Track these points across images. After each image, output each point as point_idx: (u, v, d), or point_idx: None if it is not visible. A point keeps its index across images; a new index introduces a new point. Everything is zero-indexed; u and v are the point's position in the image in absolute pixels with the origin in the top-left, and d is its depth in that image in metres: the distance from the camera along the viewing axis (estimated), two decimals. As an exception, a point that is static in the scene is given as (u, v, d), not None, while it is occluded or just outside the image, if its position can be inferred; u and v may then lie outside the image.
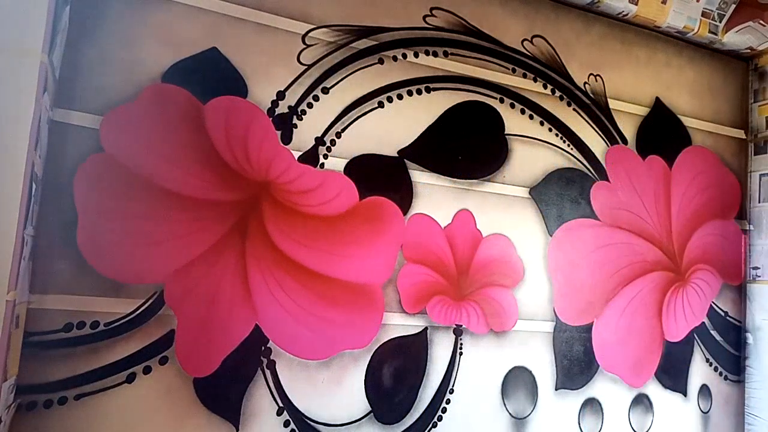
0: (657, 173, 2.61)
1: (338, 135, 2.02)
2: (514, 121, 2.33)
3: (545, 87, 2.41)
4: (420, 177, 2.14)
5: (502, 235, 2.26)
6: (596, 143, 2.49)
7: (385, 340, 2.02)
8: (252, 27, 1.93)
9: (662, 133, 2.65)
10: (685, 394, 2.58)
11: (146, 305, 1.71)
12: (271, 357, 1.85)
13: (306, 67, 1.99)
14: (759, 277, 2.71)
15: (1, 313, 1.26)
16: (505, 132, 2.31)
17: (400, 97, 2.14)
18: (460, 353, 2.14)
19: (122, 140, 1.71)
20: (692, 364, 2.59)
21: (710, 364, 2.64)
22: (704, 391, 2.62)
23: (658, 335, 2.54)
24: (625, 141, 2.56)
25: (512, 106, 2.33)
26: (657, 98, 2.67)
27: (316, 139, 1.98)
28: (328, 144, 2.00)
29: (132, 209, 1.70)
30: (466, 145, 2.23)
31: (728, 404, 2.68)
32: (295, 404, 1.87)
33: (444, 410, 2.09)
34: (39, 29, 1.34)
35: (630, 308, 2.48)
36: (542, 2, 2.45)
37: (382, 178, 2.06)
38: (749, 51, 2.82)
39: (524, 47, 2.38)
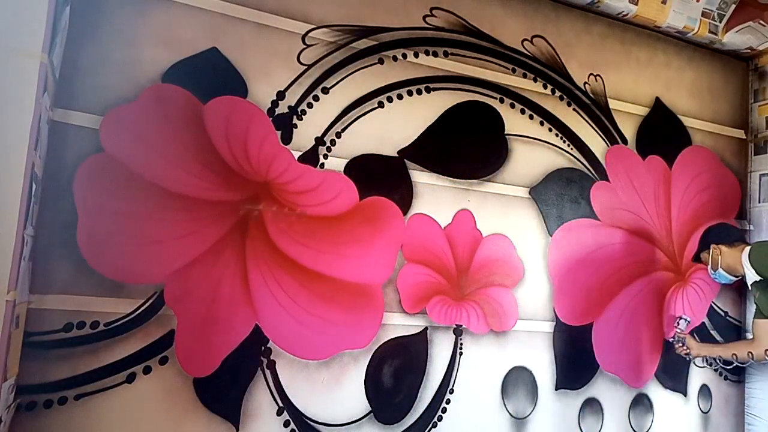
0: (657, 173, 2.61)
1: (338, 135, 2.02)
2: (514, 121, 2.33)
3: (545, 87, 2.41)
4: (420, 177, 2.14)
5: (502, 235, 2.26)
6: (596, 143, 2.49)
7: (385, 340, 2.02)
8: (252, 27, 1.93)
9: (662, 133, 2.65)
10: (685, 394, 2.58)
11: (146, 305, 1.71)
12: (271, 357, 1.85)
13: (306, 67, 1.99)
14: (759, 277, 2.71)
15: (1, 313, 1.25)
16: (505, 132, 2.31)
17: (400, 97, 2.14)
18: (460, 353, 2.14)
19: (122, 140, 1.71)
20: (692, 364, 2.59)
21: (710, 364, 2.64)
22: (704, 391, 2.62)
23: (658, 335, 2.54)
24: (625, 141, 2.56)
25: (512, 106, 2.33)
26: (657, 98, 2.67)
27: (316, 139, 1.99)
28: (328, 144, 2.00)
29: (132, 209, 1.70)
30: (466, 145, 2.23)
31: (728, 404, 2.68)
32: (295, 404, 1.87)
33: (444, 410, 2.09)
34: (39, 29, 1.34)
35: (630, 308, 2.48)
36: (542, 2, 2.45)
37: (382, 178, 2.06)
38: (749, 51, 2.82)
39: (524, 47, 2.38)
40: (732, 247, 2.23)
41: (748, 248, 2.18)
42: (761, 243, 2.25)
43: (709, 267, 2.30)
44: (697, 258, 2.39)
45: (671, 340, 2.44)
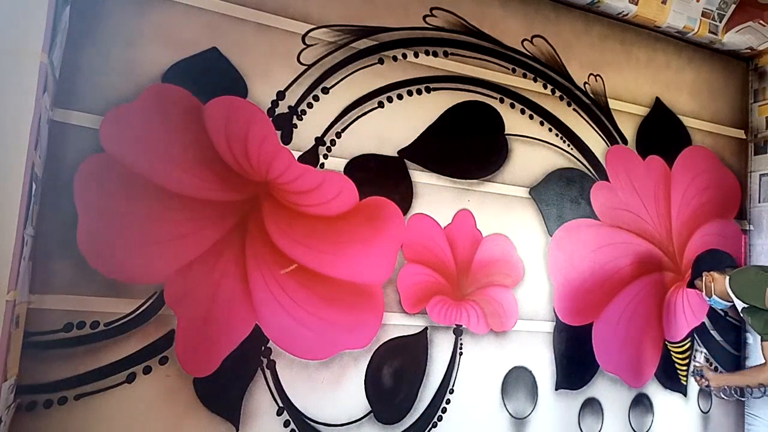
0: (657, 173, 2.61)
1: (338, 135, 2.02)
2: (514, 121, 2.33)
3: (545, 87, 2.41)
4: (420, 177, 2.14)
5: (502, 235, 2.26)
6: (596, 143, 2.49)
7: (385, 340, 2.02)
8: (252, 27, 1.93)
9: (662, 133, 2.65)
10: (685, 394, 2.58)
11: (146, 305, 1.71)
12: (271, 357, 1.85)
13: (306, 67, 1.99)
14: (759, 277, 2.71)
15: (1, 313, 1.26)
16: (505, 132, 2.31)
17: (400, 97, 2.14)
18: (460, 353, 2.14)
19: (122, 140, 1.71)
20: (692, 364, 2.58)
21: (710, 364, 2.63)
22: (704, 391, 2.62)
23: (658, 335, 2.54)
24: (625, 141, 2.56)
25: (512, 106, 2.33)
26: (657, 98, 2.67)
27: (316, 139, 1.99)
28: (328, 144, 2.00)
29: (132, 209, 1.70)
30: (466, 146, 2.23)
31: (728, 404, 2.67)
32: (295, 404, 1.87)
33: (444, 410, 2.09)
34: (39, 29, 1.34)
35: (630, 308, 2.48)
36: (542, 2, 2.45)
37: (382, 178, 2.06)
38: (749, 51, 2.82)
39: (524, 47, 2.38)
40: (723, 273, 2.21)
41: (728, 277, 2.16)
42: (739, 270, 2.21)
43: (704, 294, 2.29)
44: (691, 285, 2.38)
45: (690, 374, 2.42)
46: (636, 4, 2.47)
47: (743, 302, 2.11)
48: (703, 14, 2.61)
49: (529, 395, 2.25)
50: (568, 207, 2.40)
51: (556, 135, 2.41)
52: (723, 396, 2.41)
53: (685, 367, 2.55)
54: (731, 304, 2.20)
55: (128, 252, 1.69)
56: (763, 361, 2.10)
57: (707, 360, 2.44)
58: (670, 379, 2.54)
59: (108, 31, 1.74)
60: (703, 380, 2.32)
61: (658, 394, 2.51)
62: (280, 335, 1.86)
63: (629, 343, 2.46)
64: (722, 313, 2.70)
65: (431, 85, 2.19)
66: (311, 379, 1.90)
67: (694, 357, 2.39)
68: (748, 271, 2.17)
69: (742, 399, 2.60)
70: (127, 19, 1.76)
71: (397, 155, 2.11)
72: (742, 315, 2.20)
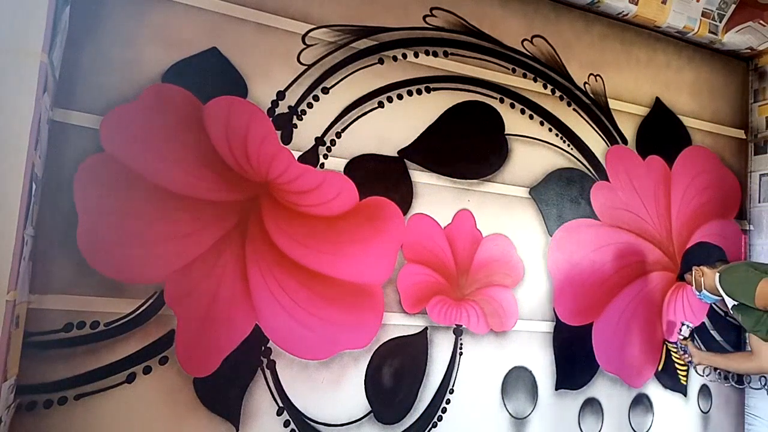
0: (657, 173, 2.61)
1: (338, 135, 2.02)
2: (514, 121, 2.33)
3: (545, 87, 2.41)
4: (420, 177, 2.14)
5: (503, 235, 2.26)
6: (596, 143, 2.49)
7: (385, 340, 2.02)
8: (252, 27, 1.93)
9: (662, 133, 2.65)
10: (685, 394, 2.58)
11: (146, 305, 1.71)
12: (271, 357, 1.85)
13: (306, 67, 1.99)
14: (759, 277, 2.70)
15: (1, 313, 1.25)
16: (505, 132, 2.31)
17: (400, 97, 2.14)
18: (460, 353, 2.14)
19: (122, 140, 1.71)
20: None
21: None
22: (704, 391, 2.62)
23: (658, 335, 2.54)
24: (625, 141, 2.56)
25: (512, 106, 2.33)
26: (657, 98, 2.67)
27: (316, 139, 1.99)
28: (328, 144, 2.00)
29: (132, 209, 1.70)
30: (466, 146, 2.23)
31: (728, 404, 2.68)
32: (295, 404, 1.87)
33: (444, 410, 2.09)
34: (39, 29, 1.34)
35: (630, 308, 2.48)
36: (542, 2, 2.45)
37: (382, 178, 2.06)
38: (749, 51, 2.82)
39: (524, 47, 2.38)
40: (713, 267, 2.20)
41: (718, 274, 2.15)
42: (729, 267, 2.18)
43: (693, 288, 2.28)
44: (680, 278, 2.37)
45: (673, 348, 2.43)
46: (636, 4, 2.47)
47: (734, 300, 2.11)
48: (703, 14, 2.61)
49: (529, 395, 2.25)
50: (568, 207, 2.40)
51: (556, 135, 2.41)
52: (702, 374, 2.41)
53: (684, 367, 2.55)
54: (721, 298, 2.19)
55: (128, 252, 1.69)
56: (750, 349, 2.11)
57: (692, 336, 2.43)
58: (670, 379, 2.54)
59: (108, 31, 1.74)
60: (686, 355, 2.32)
61: (658, 394, 2.51)
62: (280, 335, 1.86)
63: (629, 343, 2.46)
64: (722, 313, 2.70)
65: (431, 85, 2.19)
66: (311, 379, 1.90)
67: (680, 330, 2.38)
68: (738, 269, 2.15)
69: (739, 387, 2.60)
70: (127, 19, 1.76)
71: (397, 155, 2.11)
72: (731, 312, 2.20)
